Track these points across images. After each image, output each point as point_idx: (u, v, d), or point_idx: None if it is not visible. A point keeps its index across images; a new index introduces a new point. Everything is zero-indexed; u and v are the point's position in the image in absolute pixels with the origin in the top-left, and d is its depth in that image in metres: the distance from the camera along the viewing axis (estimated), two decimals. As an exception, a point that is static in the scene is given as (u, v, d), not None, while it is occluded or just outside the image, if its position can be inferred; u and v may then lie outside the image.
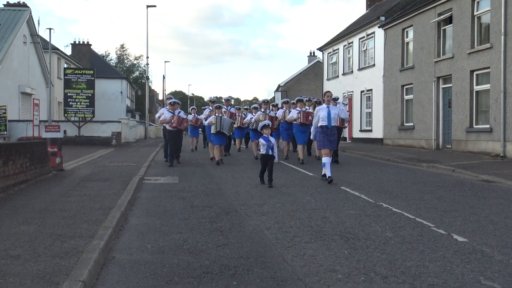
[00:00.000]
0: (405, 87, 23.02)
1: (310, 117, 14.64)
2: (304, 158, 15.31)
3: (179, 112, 15.01)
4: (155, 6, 38.14)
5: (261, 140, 10.45)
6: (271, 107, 17.74)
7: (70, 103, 26.74)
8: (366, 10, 33.75)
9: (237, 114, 18.81)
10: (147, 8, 37.75)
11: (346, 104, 13.09)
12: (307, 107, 15.72)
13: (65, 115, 27.15)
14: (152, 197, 9.30)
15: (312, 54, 54.40)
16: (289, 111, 15.81)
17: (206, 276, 4.61)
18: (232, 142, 20.99)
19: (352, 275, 4.61)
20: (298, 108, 15.26)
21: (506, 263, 4.91)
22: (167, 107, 15.37)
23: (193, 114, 20.59)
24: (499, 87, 16.22)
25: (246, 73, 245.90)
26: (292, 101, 16.68)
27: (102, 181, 10.92)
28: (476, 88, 17.93)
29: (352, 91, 28.53)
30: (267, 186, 10.13)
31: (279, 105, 19.81)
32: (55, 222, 6.64)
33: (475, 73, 17.88)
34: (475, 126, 17.87)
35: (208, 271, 4.77)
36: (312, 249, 5.52)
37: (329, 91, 11.52)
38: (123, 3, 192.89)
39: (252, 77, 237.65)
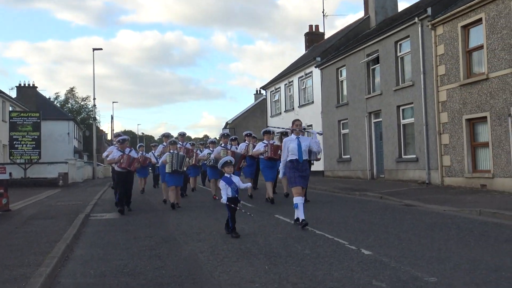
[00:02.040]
0: (341, 122, 24.49)
1: (279, 151, 12.86)
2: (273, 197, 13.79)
3: (130, 151, 13.16)
4: (101, 49, 38.94)
5: (222, 184, 8.52)
6: (230, 142, 15.31)
7: (16, 145, 26.81)
8: (305, 50, 35.59)
9: (193, 150, 17.10)
10: (93, 51, 38.35)
11: (321, 134, 11.26)
12: (273, 140, 14.25)
13: (11, 157, 27.13)
14: (97, 231, 9.88)
15: (258, 92, 55.91)
16: (253, 145, 14.43)
17: (142, 292, 5.32)
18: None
19: (267, 284, 5.44)
20: (265, 141, 13.74)
21: (398, 269, 5.85)
22: (116, 145, 13.50)
23: (140, 152, 18.52)
24: (422, 120, 17.77)
25: (196, 112, 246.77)
26: (252, 135, 15.24)
27: (48, 219, 11.38)
28: (403, 121, 19.49)
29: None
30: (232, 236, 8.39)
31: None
32: (3, 255, 7.17)
33: (401, 108, 19.47)
34: (403, 156, 19.33)
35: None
36: (238, 266, 6.32)
37: (298, 119, 9.95)
38: (70, 45, 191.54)
39: (203, 116, 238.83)
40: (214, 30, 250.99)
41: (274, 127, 14.92)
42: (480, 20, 15.06)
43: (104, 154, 15.09)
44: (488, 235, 8.01)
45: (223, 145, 14.69)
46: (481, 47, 15.16)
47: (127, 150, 13.04)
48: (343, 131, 24.50)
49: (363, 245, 7.34)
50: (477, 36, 15.40)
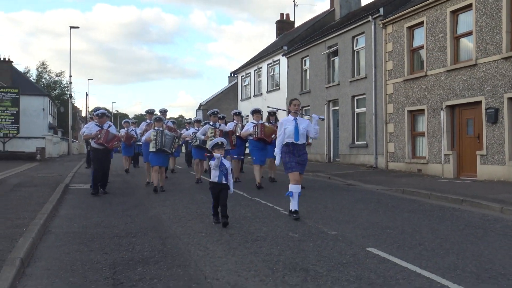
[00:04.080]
0: (304, 109, 26.29)
1: (273, 136, 12.41)
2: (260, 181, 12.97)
3: (109, 126, 12.21)
4: (78, 27, 39.79)
5: (212, 163, 7.90)
6: (218, 120, 14.03)
7: (-5, 120, 28.07)
8: (276, 38, 37.23)
9: (176, 128, 15.81)
10: (70, 29, 39.20)
11: (323, 119, 9.67)
12: (262, 120, 13.60)
13: (-11, 131, 28.37)
14: (77, 197, 11.55)
15: (232, 75, 57.34)
16: (241, 125, 14.02)
17: (116, 237, 7.04)
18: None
19: (211, 234, 7.23)
20: (254, 121, 13.11)
21: (312, 226, 7.70)
22: (95, 121, 12.56)
23: (126, 129, 17.86)
24: (372, 110, 19.72)
25: (173, 91, 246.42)
26: (236, 112, 14.78)
27: (33, 187, 12.97)
28: (357, 110, 21.42)
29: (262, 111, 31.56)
30: (221, 226, 7.72)
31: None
32: (2, 211, 8.80)
33: (355, 98, 21.38)
34: (356, 142, 21.30)
35: (117, 235, 7.20)
36: (191, 223, 8.10)
37: (296, 99, 9.12)
38: (45, 17, 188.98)
39: (180, 95, 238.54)
40: (194, 9, 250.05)
41: (272, 108, 13.33)
42: (422, 23, 16.96)
43: (82, 131, 13.39)
44: (398, 207, 9.93)
45: (211, 123, 13.52)
46: (422, 47, 17.09)
47: (106, 125, 12.12)
48: (305, 117, 26.28)
49: (320, 222, 9.11)
50: (420, 37, 17.31)
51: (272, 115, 13.82)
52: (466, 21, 15.27)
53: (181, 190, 12.87)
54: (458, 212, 9.24)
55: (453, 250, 6.14)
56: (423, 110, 16.96)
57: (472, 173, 14.81)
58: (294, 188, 8.39)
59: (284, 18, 37.73)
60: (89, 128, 12.20)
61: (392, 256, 5.80)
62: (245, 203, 10.32)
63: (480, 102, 14.54)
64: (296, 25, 37.17)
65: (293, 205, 8.44)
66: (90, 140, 12.46)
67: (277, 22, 37.56)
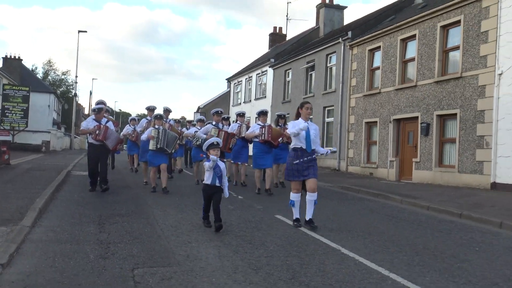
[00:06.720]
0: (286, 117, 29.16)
1: (280, 139, 12.38)
2: (260, 187, 12.83)
3: (107, 122, 11.76)
4: (86, 31, 42.73)
5: (206, 164, 7.50)
6: (222, 121, 13.70)
7: (7, 114, 31.01)
8: (268, 49, 40.12)
9: (179, 128, 16.07)
10: (78, 33, 42.15)
11: (335, 151, 9.85)
12: (268, 123, 13.05)
13: (1, 124, 31.27)
14: (77, 180, 14.41)
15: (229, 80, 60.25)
16: (246, 126, 13.60)
17: (104, 203, 9.87)
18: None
19: (173, 203, 10.04)
20: (260, 123, 12.53)
21: (247, 203, 10.49)
22: (93, 116, 11.87)
23: (133, 127, 17.16)
24: (338, 120, 22.58)
25: (177, 92, 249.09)
26: (240, 113, 14.08)
27: (41, 171, 15.85)
28: (327, 120, 24.29)
29: (250, 117, 34.45)
30: (214, 230, 7.34)
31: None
32: (21, 185, 11.67)
33: (326, 109, 24.24)
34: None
35: (106, 201, 10.03)
36: (162, 197, 10.92)
37: (308, 102, 8.29)
38: (54, 13, 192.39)
39: (184, 97, 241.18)
40: (203, 12, 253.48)
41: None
42: (379, 47, 19.83)
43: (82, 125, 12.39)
44: (326, 197, 12.70)
45: (214, 123, 12.92)
46: (378, 68, 19.95)
47: (104, 120, 11.71)
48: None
49: (255, 201, 11.93)
50: (377, 59, 20.18)
51: (282, 118, 13.70)
52: (412, 48, 18.13)
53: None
54: (368, 202, 12.04)
55: (334, 220, 8.95)
56: (376, 122, 19.80)
57: (409, 177, 17.63)
58: (294, 196, 8.05)
59: (277, 31, 40.59)
60: (87, 122, 11.79)
61: (286, 218, 8.62)
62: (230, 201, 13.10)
63: (417, 117, 17.37)
64: (288, 38, 40.02)
65: (295, 213, 8.10)
66: (87, 135, 12.05)
67: (270, 35, 40.44)
